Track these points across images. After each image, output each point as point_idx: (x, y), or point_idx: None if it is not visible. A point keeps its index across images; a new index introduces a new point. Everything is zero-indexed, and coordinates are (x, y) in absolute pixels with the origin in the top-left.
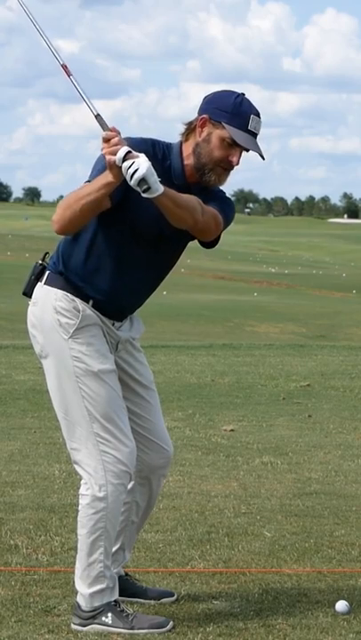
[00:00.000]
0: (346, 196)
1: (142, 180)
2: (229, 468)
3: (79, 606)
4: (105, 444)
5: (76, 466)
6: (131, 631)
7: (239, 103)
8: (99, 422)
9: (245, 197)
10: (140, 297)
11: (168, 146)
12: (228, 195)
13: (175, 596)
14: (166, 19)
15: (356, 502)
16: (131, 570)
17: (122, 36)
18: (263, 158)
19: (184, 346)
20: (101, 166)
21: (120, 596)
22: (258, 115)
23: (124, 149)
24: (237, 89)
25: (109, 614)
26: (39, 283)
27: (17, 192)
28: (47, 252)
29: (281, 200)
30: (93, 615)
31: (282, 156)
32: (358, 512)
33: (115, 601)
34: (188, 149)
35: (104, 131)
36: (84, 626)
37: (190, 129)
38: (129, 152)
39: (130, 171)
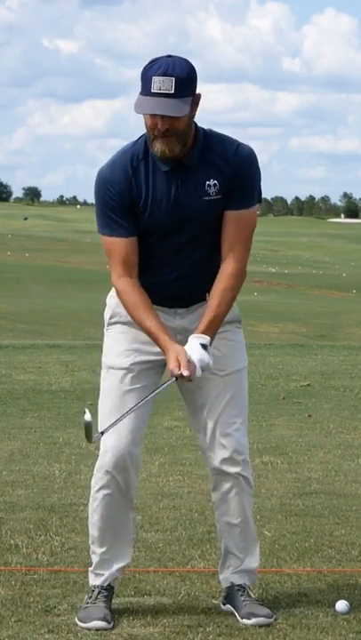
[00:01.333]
0: (346, 196)
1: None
2: None
3: None
4: (104, 436)
5: None
6: (76, 620)
7: (147, 69)
8: (102, 413)
9: None
10: (191, 281)
11: (142, 140)
12: (246, 146)
13: (269, 619)
14: (165, 18)
15: (357, 502)
16: (131, 570)
17: (121, 35)
18: (175, 117)
19: None
20: (109, 223)
21: (224, 604)
22: (165, 74)
23: (199, 371)
24: (237, 88)
25: (85, 596)
26: None
27: (17, 192)
28: None
29: (281, 200)
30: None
31: (282, 155)
32: (358, 512)
33: (94, 587)
34: None
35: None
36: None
37: None
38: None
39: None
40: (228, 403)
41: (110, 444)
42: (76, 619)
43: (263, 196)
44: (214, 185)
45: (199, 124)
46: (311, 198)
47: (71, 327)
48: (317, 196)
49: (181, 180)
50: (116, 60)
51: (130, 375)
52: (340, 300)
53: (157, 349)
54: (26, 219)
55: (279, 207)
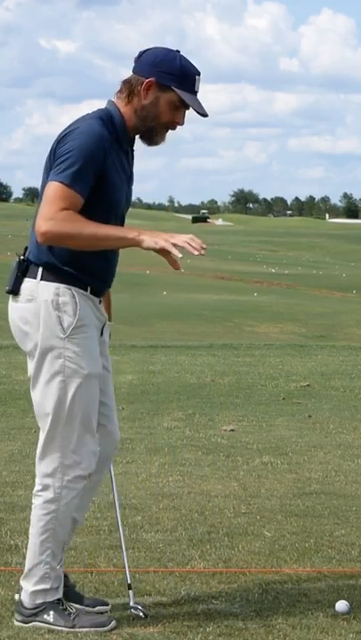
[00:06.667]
0: (346, 196)
1: None
2: (229, 468)
3: (22, 603)
4: (69, 446)
5: (38, 463)
6: (72, 629)
7: (185, 66)
8: (72, 424)
9: (245, 197)
10: (115, 269)
11: (107, 114)
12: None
13: (109, 605)
14: (163, 19)
15: (357, 502)
16: (131, 570)
17: (119, 36)
18: (207, 115)
19: (184, 346)
20: (84, 179)
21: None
22: (199, 74)
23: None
24: (235, 88)
25: (51, 612)
26: (29, 279)
27: (17, 192)
28: (27, 247)
29: (281, 200)
30: (35, 613)
31: (281, 156)
32: (358, 512)
33: (58, 599)
34: (129, 111)
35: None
36: (27, 623)
37: (132, 91)
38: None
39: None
40: (113, 395)
41: (94, 452)
42: (80, 628)
43: (263, 195)
44: None
45: (197, 123)
46: (311, 199)
47: None
48: (317, 197)
49: (131, 159)
50: (115, 61)
51: (100, 380)
52: (340, 301)
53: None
54: (27, 220)
55: (279, 207)
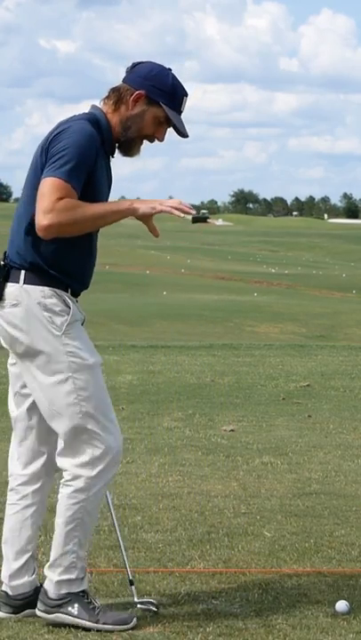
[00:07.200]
0: (346, 196)
1: None
2: (229, 468)
3: (46, 593)
4: (95, 437)
5: (61, 457)
6: (95, 625)
7: (176, 85)
8: (90, 416)
9: (245, 197)
10: (93, 271)
11: (93, 117)
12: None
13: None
14: (163, 19)
15: (357, 502)
16: (131, 570)
17: (119, 36)
18: (187, 136)
19: (184, 346)
20: (78, 176)
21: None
22: (187, 95)
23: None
24: (235, 88)
25: (76, 605)
26: (11, 283)
27: (17, 192)
28: (5, 252)
29: (281, 200)
30: (60, 604)
31: (281, 156)
32: (358, 512)
33: (83, 592)
34: (114, 119)
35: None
36: (50, 614)
37: (120, 99)
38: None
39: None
40: None
41: (119, 442)
42: (103, 625)
43: (263, 196)
44: None
45: (197, 123)
46: (311, 199)
47: None
48: (317, 197)
49: (110, 168)
50: (114, 61)
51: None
52: (340, 301)
53: None
54: None
55: (279, 207)
